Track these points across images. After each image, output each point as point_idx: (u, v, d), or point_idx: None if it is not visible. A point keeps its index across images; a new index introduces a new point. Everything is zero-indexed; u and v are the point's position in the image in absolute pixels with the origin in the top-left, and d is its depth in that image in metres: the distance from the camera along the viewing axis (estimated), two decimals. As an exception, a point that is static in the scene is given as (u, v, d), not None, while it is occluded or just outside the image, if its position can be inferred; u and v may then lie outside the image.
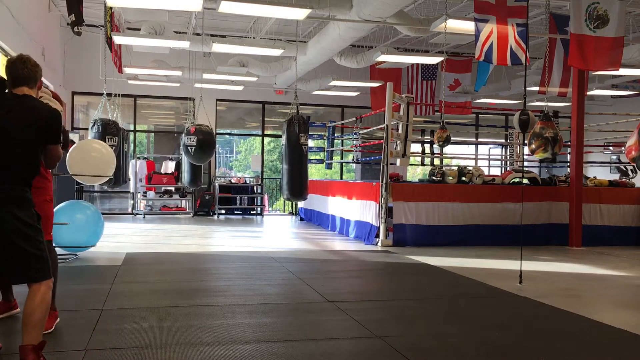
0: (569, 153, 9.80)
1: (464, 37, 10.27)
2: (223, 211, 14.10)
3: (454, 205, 8.75)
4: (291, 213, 15.04)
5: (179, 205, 14.17)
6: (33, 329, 2.95)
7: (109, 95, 9.31)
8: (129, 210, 14.06)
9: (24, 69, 3.11)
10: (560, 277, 6.34)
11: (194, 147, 9.22)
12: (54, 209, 6.63)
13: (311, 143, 14.23)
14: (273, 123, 15.79)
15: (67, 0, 7.33)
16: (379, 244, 8.46)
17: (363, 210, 9.17)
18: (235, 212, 14.27)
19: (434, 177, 9.21)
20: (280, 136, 8.23)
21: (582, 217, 9.03)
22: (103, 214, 7.44)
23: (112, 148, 6.48)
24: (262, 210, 14.54)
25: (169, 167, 14.12)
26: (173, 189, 13.91)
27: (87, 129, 10.43)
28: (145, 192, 13.73)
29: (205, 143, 9.33)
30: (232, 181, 14.78)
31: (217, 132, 14.08)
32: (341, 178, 16.69)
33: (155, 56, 12.39)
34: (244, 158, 27.83)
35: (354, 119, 11.87)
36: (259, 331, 3.87)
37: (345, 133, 13.67)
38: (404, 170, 13.18)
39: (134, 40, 10.23)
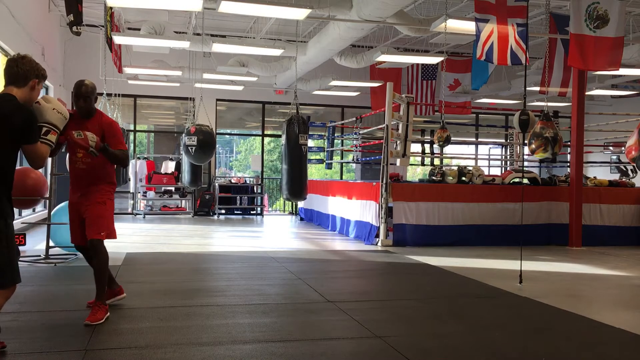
0: (569, 153, 9.80)
1: (464, 37, 10.27)
2: (223, 211, 14.10)
3: (454, 205, 8.75)
4: (291, 213, 15.04)
5: (179, 205, 14.17)
6: None
7: (109, 95, 9.31)
8: (129, 210, 14.06)
9: (13, 68, 3.10)
10: (560, 277, 6.34)
11: (194, 147, 9.21)
12: (54, 209, 6.65)
13: (311, 143, 14.23)
14: (273, 123, 15.79)
15: (65, 0, 7.32)
16: (379, 244, 8.46)
17: (363, 210, 9.17)
18: (235, 212, 14.27)
19: (434, 177, 9.21)
20: (280, 136, 8.23)
21: (582, 217, 9.03)
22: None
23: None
24: (262, 210, 14.55)
25: (169, 167, 14.13)
26: (173, 189, 13.91)
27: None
28: (145, 192, 13.73)
29: (206, 143, 9.32)
30: (232, 181, 14.78)
31: (217, 132, 14.08)
32: (341, 178, 16.69)
33: (155, 56, 12.39)
34: (244, 158, 27.83)
35: (354, 119, 11.87)
36: (259, 331, 3.87)
37: (345, 133, 13.67)
38: (404, 170, 13.17)
39: (134, 40, 10.24)
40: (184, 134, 9.71)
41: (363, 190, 9.27)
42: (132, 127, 14.22)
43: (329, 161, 13.33)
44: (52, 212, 6.61)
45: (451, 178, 9.07)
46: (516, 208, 8.73)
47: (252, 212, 14.30)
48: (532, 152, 7.70)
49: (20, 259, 4.58)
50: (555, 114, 10.18)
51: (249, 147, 27.31)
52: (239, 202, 14.25)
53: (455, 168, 9.48)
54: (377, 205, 8.57)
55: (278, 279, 5.88)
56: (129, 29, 11.14)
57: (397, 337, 3.80)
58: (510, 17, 7.27)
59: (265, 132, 15.50)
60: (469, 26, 7.88)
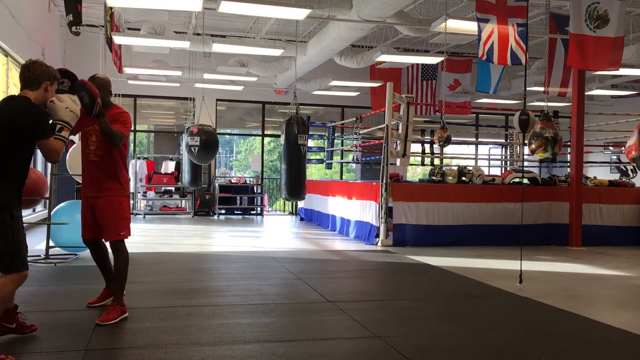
0: (569, 153, 9.80)
1: (464, 37, 10.27)
2: (223, 211, 14.10)
3: (454, 205, 8.75)
4: (291, 213, 15.04)
5: (179, 205, 14.16)
6: None
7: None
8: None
9: (26, 73, 3.35)
10: (560, 277, 6.34)
11: (197, 148, 9.22)
12: (54, 209, 6.65)
13: (311, 143, 14.24)
14: (273, 123, 15.79)
15: (65, 0, 7.32)
16: (379, 244, 8.46)
17: (363, 210, 9.17)
18: (235, 212, 14.27)
19: (434, 177, 9.20)
20: (280, 136, 8.23)
21: (582, 217, 9.03)
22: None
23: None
24: (262, 210, 14.55)
25: (169, 167, 14.13)
26: (173, 189, 13.92)
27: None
28: (145, 192, 13.74)
29: (209, 143, 9.33)
30: (232, 181, 14.78)
31: (217, 132, 14.07)
32: (341, 178, 16.69)
33: (155, 56, 12.39)
34: (244, 158, 27.84)
35: (354, 119, 11.87)
36: (259, 331, 3.86)
37: (345, 133, 13.67)
38: (404, 170, 13.17)
39: (134, 40, 10.24)
40: (185, 134, 9.71)
41: (363, 190, 9.27)
42: (132, 127, 14.22)
43: (329, 161, 13.33)
44: (52, 212, 6.61)
45: (451, 178, 9.07)
46: (516, 208, 8.73)
47: (252, 212, 14.30)
48: (532, 152, 7.70)
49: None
50: (555, 114, 10.19)
51: (249, 147, 27.32)
52: (239, 202, 14.25)
53: (455, 168, 9.48)
54: (377, 205, 8.57)
55: (278, 279, 5.88)
56: (129, 29, 11.14)
57: (397, 337, 3.80)
58: (510, 17, 7.27)
59: (265, 132, 15.50)
60: (469, 26, 7.88)
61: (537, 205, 9.13)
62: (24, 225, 3.39)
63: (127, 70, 11.57)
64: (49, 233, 6.54)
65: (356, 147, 12.05)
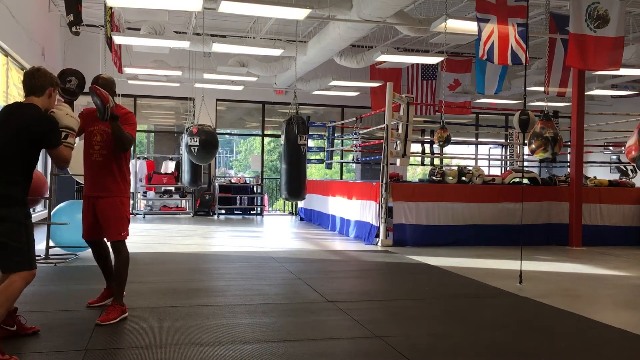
0: (569, 153, 9.80)
1: (464, 37, 10.27)
2: (223, 211, 14.10)
3: (454, 205, 8.75)
4: (291, 213, 15.04)
5: (179, 205, 14.16)
6: None
7: (109, 95, 9.28)
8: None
9: (30, 80, 3.44)
10: (560, 277, 6.34)
11: (196, 147, 9.21)
12: (54, 209, 6.65)
13: (311, 143, 14.24)
14: (273, 123, 15.79)
15: (65, 0, 7.32)
16: (379, 244, 8.46)
17: (363, 210, 9.16)
18: (235, 212, 14.27)
19: (434, 177, 9.20)
20: (280, 136, 8.23)
21: (582, 217, 9.03)
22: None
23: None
24: (262, 210, 14.55)
25: (169, 167, 14.13)
26: (173, 189, 13.91)
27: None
28: (145, 192, 13.74)
29: (208, 143, 9.32)
30: (232, 181, 14.78)
31: (217, 132, 14.07)
32: (341, 178, 16.69)
33: (155, 56, 12.39)
34: (244, 158, 27.84)
35: (354, 119, 11.87)
36: (259, 331, 3.86)
37: (345, 133, 13.67)
38: (404, 170, 13.17)
39: (134, 40, 10.23)
40: (186, 134, 9.71)
41: (363, 190, 9.27)
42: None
43: (329, 161, 13.33)
44: (52, 212, 6.61)
45: (451, 178, 9.07)
46: (516, 208, 8.73)
47: (252, 212, 14.30)
48: (532, 152, 7.70)
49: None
50: (555, 114, 10.19)
51: (249, 147, 27.32)
52: (239, 202, 14.25)
53: (455, 168, 9.48)
54: (377, 205, 8.57)
55: (278, 279, 5.88)
56: (129, 29, 11.14)
57: (397, 337, 3.80)
58: (510, 17, 7.27)
59: (265, 132, 15.50)
60: (469, 26, 7.88)
61: (537, 205, 9.13)
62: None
63: (127, 70, 11.57)
64: (49, 233, 6.54)
65: (356, 147, 12.05)
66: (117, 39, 9.47)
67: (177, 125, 15.71)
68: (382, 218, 8.45)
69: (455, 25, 7.88)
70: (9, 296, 3.18)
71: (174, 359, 3.26)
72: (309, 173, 8.22)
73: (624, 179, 10.71)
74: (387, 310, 4.59)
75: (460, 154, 15.65)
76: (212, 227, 11.17)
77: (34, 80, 3.43)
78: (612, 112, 12.71)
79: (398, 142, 9.63)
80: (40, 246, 6.75)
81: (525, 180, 9.53)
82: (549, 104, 8.56)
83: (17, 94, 8.63)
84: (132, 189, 13.44)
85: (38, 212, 10.51)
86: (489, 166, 14.71)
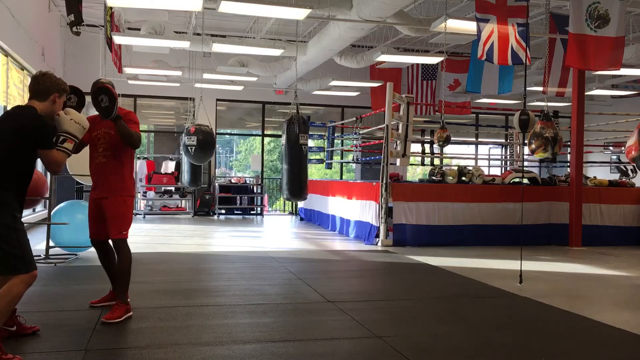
0: (569, 153, 9.80)
1: (464, 37, 10.26)
2: (223, 211, 14.10)
3: (454, 205, 8.75)
4: (291, 213, 15.04)
5: (179, 205, 14.17)
6: None
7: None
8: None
9: (35, 84, 3.43)
10: (560, 277, 6.34)
11: (194, 147, 9.21)
12: (54, 209, 6.65)
13: (311, 143, 14.23)
14: (273, 123, 15.79)
15: (66, 0, 7.32)
16: (379, 244, 8.46)
17: (363, 210, 9.16)
18: (235, 212, 14.27)
19: (434, 177, 9.20)
20: (280, 136, 8.24)
21: (582, 217, 9.02)
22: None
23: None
24: (262, 210, 14.54)
25: (169, 167, 14.13)
26: (173, 189, 13.91)
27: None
28: (145, 192, 13.74)
29: (206, 143, 9.32)
30: (232, 181, 14.78)
31: (217, 132, 14.08)
32: (341, 178, 16.69)
33: (155, 56, 12.39)
34: (244, 158, 27.83)
35: (354, 119, 11.87)
36: (259, 331, 3.87)
37: (345, 133, 13.67)
38: (404, 170, 13.17)
39: (134, 40, 10.23)
40: (184, 134, 9.71)
41: (363, 190, 9.27)
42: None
43: (329, 161, 13.33)
44: (52, 212, 6.61)
45: (451, 178, 9.07)
46: (516, 208, 8.73)
47: (252, 212, 14.30)
48: (532, 152, 7.70)
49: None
50: (555, 114, 10.18)
51: (249, 147, 27.31)
52: (239, 202, 14.25)
53: (455, 168, 9.48)
54: (377, 205, 8.57)
55: (278, 279, 5.88)
56: (129, 29, 11.14)
57: (397, 337, 3.80)
58: (510, 17, 7.27)
59: (265, 132, 15.50)
60: (469, 26, 7.88)
61: (537, 205, 9.13)
62: (24, 225, 3.41)
63: (127, 70, 11.57)
64: (49, 233, 6.54)
65: (356, 147, 12.05)
66: (117, 39, 9.47)
67: (177, 125, 15.70)
68: (382, 218, 8.45)
69: (455, 25, 7.88)
70: (10, 300, 3.17)
71: (174, 359, 3.27)
72: (309, 173, 8.22)
73: (624, 179, 10.71)
74: (387, 310, 4.59)
75: (460, 154, 15.65)
76: (212, 227, 11.17)
77: (38, 84, 3.41)
78: (612, 112, 12.72)
79: (398, 142, 9.63)
80: (40, 246, 6.78)
81: (525, 180, 9.53)
82: (549, 104, 8.56)
83: (17, 94, 8.63)
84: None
85: (38, 212, 10.51)
86: (489, 166, 14.72)
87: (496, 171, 14.09)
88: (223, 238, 9.68)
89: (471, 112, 15.04)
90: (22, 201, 3.37)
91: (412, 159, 11.58)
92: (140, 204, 13.93)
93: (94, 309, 4.31)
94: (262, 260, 7.07)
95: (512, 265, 6.48)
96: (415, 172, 18.90)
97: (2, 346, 3.11)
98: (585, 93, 9.91)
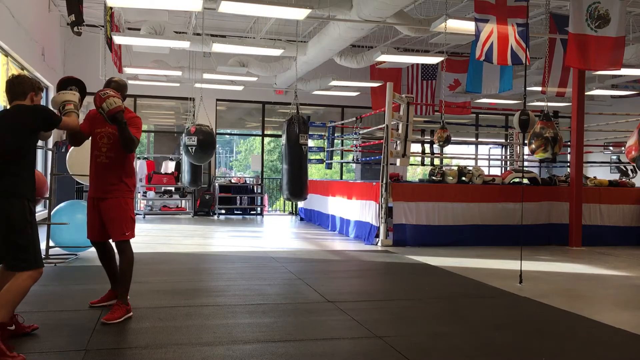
0: (569, 153, 9.80)
1: (464, 37, 10.27)
2: (223, 211, 14.10)
3: (454, 205, 8.75)
4: (291, 213, 15.04)
5: (179, 205, 14.17)
6: (2, 307, 3.21)
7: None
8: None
9: (12, 87, 3.56)
10: (560, 277, 6.34)
11: (194, 147, 9.21)
12: (54, 209, 6.65)
13: (311, 143, 14.23)
14: (273, 123, 15.79)
15: (67, 0, 7.33)
16: (379, 244, 8.46)
17: (363, 210, 9.16)
18: (235, 212, 14.27)
19: (434, 177, 9.20)
20: (280, 136, 8.24)
21: (582, 217, 9.02)
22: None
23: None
24: (262, 210, 14.54)
25: (169, 167, 14.13)
26: (173, 189, 13.91)
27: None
28: (145, 192, 13.73)
29: (206, 143, 9.33)
30: (232, 181, 14.78)
31: (217, 132, 14.08)
32: (341, 178, 16.70)
33: (155, 56, 12.39)
34: (244, 158, 27.82)
35: (354, 119, 11.87)
36: (259, 331, 3.87)
37: (345, 133, 13.67)
38: (404, 170, 13.17)
39: (134, 40, 10.24)
40: (184, 134, 9.71)
41: (363, 190, 9.27)
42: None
43: (329, 161, 13.33)
44: (52, 212, 6.61)
45: (451, 178, 9.07)
46: (516, 208, 8.73)
47: (252, 212, 14.30)
48: (532, 152, 7.70)
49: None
50: (555, 114, 10.18)
51: (249, 147, 27.30)
52: (239, 202, 14.25)
53: (455, 168, 9.48)
54: (377, 205, 8.57)
55: (278, 279, 5.88)
56: (129, 29, 11.14)
57: (397, 337, 3.80)
58: (510, 17, 7.27)
59: (265, 132, 15.50)
60: (469, 26, 7.88)
61: (537, 205, 9.13)
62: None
63: (127, 70, 11.57)
64: (49, 233, 6.54)
65: (356, 147, 12.05)
66: (117, 39, 9.47)
67: (177, 125, 15.71)
68: (382, 218, 8.45)
69: (455, 25, 7.88)
70: (18, 294, 3.25)
71: (174, 359, 3.27)
72: (309, 173, 8.23)
73: (624, 179, 10.71)
74: (387, 310, 4.59)
75: (460, 154, 15.65)
76: (212, 227, 11.17)
77: (14, 87, 3.55)
78: (612, 112, 12.71)
79: (398, 142, 9.63)
80: (40, 246, 6.76)
81: (525, 180, 9.53)
82: (549, 104, 8.56)
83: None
84: (132, 189, 13.52)
85: (38, 212, 10.51)
86: (489, 166, 14.71)
87: (496, 171, 14.10)
88: (223, 238, 9.68)
89: (471, 112, 15.04)
90: (35, 192, 3.50)
91: (412, 159, 11.58)
92: (140, 204, 13.93)
93: (94, 309, 4.31)
94: (262, 260, 7.08)
95: (512, 265, 6.48)
96: (415, 172, 18.91)
97: (7, 345, 3.13)
98: (585, 93, 9.91)
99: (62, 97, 3.77)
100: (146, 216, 13.14)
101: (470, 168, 9.40)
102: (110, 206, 4.15)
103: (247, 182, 14.83)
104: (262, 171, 15.12)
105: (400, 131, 9.62)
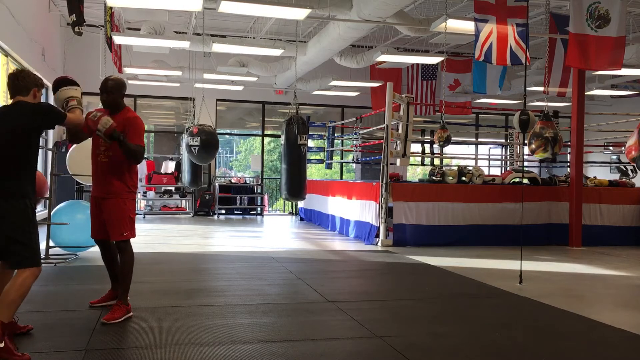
0: (569, 153, 9.80)
1: (464, 37, 10.27)
2: (223, 211, 14.09)
3: (454, 205, 8.75)
4: (291, 213, 15.04)
5: (179, 205, 14.16)
6: (6, 307, 3.21)
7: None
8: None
9: (15, 82, 3.53)
10: (560, 277, 6.34)
11: (197, 148, 9.21)
12: (54, 209, 6.65)
13: (311, 143, 14.24)
14: (273, 123, 15.79)
15: (67, 1, 7.33)
16: (379, 244, 8.46)
17: (363, 210, 9.16)
18: (235, 212, 14.27)
19: (434, 177, 9.20)
20: (280, 136, 8.23)
21: (582, 217, 9.02)
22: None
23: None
24: (262, 210, 14.54)
25: (169, 167, 14.12)
26: (173, 189, 13.91)
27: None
28: (145, 192, 13.73)
29: (209, 143, 9.33)
30: (232, 181, 14.78)
31: (217, 132, 14.07)
32: (341, 178, 16.69)
33: (155, 56, 12.39)
34: (244, 158, 27.83)
35: (354, 119, 11.87)
36: (259, 331, 3.87)
37: (345, 133, 13.66)
38: (404, 170, 13.17)
39: (134, 40, 10.23)
40: (186, 135, 9.71)
41: (363, 190, 9.27)
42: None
43: (329, 161, 13.33)
44: (52, 212, 6.61)
45: (451, 178, 9.07)
46: (516, 208, 8.73)
47: (252, 212, 14.30)
48: (532, 152, 7.69)
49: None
50: (555, 114, 10.18)
51: (249, 147, 27.31)
52: (239, 202, 14.25)
53: (455, 168, 9.47)
54: (377, 205, 8.57)
55: (278, 279, 5.88)
56: (129, 29, 11.14)
57: (397, 337, 3.80)
58: (510, 17, 7.26)
59: (265, 132, 15.50)
60: (469, 26, 7.88)
61: (537, 205, 9.12)
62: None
63: (127, 70, 11.57)
64: (49, 233, 6.54)
65: (356, 147, 12.05)
66: (117, 39, 9.47)
67: (177, 125, 15.71)
68: (382, 218, 8.45)
69: (455, 25, 7.88)
70: (22, 292, 3.27)
71: (174, 359, 3.27)
72: (309, 173, 8.23)
73: (624, 179, 10.71)
74: (387, 310, 4.59)
75: (460, 154, 15.65)
76: (212, 227, 11.17)
77: (18, 81, 3.51)
78: (612, 112, 12.71)
79: (398, 142, 9.62)
80: (40, 246, 6.77)
81: (525, 180, 9.53)
82: (549, 104, 8.56)
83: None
84: (132, 189, 13.51)
85: (38, 212, 10.49)
86: (489, 166, 14.72)
87: (496, 171, 14.10)
88: (223, 238, 9.69)
89: (471, 112, 15.03)
90: (35, 192, 3.50)
91: (412, 159, 11.58)
92: (140, 204, 13.93)
93: (94, 309, 4.31)
94: (262, 260, 7.08)
95: (512, 265, 6.48)
96: (415, 172, 18.90)
97: (14, 345, 3.15)
98: (585, 93, 9.91)
99: (65, 93, 3.77)
100: (146, 216, 13.14)
101: (470, 168, 9.39)
102: (109, 206, 4.15)
103: (247, 182, 14.83)
104: (262, 171, 15.12)
105: (400, 131, 9.62)
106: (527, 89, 7.19)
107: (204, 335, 3.74)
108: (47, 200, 6.82)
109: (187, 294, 5.00)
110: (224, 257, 7.34)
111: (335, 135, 13.41)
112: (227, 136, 21.83)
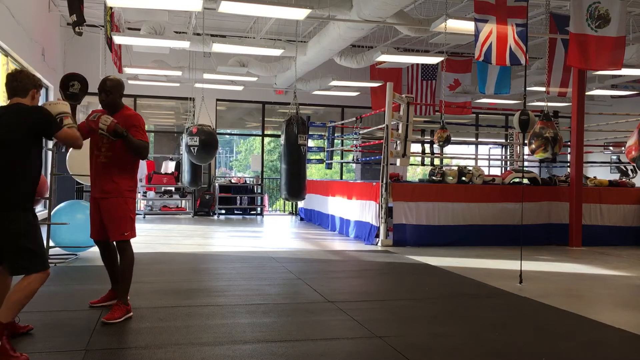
0: (569, 153, 9.80)
1: (464, 37, 10.27)
2: (223, 211, 14.10)
3: (454, 205, 8.75)
4: (291, 213, 15.04)
5: (179, 205, 14.16)
6: (8, 307, 3.21)
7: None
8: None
9: (13, 82, 3.46)
10: (560, 277, 6.34)
11: (196, 148, 9.21)
12: (54, 209, 6.65)
13: (311, 143, 14.24)
14: (273, 123, 15.79)
15: (68, 1, 7.33)
16: (379, 244, 8.46)
17: (363, 210, 9.16)
18: (235, 212, 14.27)
19: (434, 177, 9.20)
20: (280, 136, 8.23)
21: (582, 217, 9.02)
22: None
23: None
24: (262, 210, 14.55)
25: (169, 167, 14.12)
26: (173, 189, 13.91)
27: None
28: (145, 192, 13.74)
29: (208, 143, 9.33)
30: (232, 181, 14.78)
31: (217, 132, 14.07)
32: (341, 178, 16.69)
33: (155, 56, 12.39)
34: (244, 158, 27.82)
35: (354, 119, 11.87)
36: (259, 331, 3.87)
37: (345, 133, 13.66)
38: (404, 170, 13.17)
39: (134, 40, 10.23)
40: (186, 134, 9.71)
41: (363, 190, 9.27)
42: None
43: (329, 161, 13.33)
44: (52, 212, 6.60)
45: (451, 178, 9.07)
46: (516, 208, 8.73)
47: (252, 212, 14.30)
48: (532, 152, 7.69)
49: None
50: (555, 114, 10.18)
51: (249, 147, 27.31)
52: (239, 202, 14.25)
53: (455, 168, 9.47)
54: (377, 205, 8.57)
55: (278, 279, 5.88)
56: (129, 29, 11.14)
57: (397, 337, 3.80)
58: (510, 18, 7.26)
59: (265, 132, 15.50)
60: (469, 26, 7.88)
61: (537, 205, 9.13)
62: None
63: (127, 70, 11.57)
64: (49, 233, 6.54)
65: (356, 147, 12.05)
66: (117, 39, 9.47)
67: (177, 125, 15.71)
68: (382, 218, 8.45)
69: (455, 25, 7.88)
70: (26, 295, 3.27)
71: (174, 359, 3.27)
72: (309, 173, 8.23)
73: (624, 179, 10.71)
74: (387, 310, 4.59)
75: (460, 154, 15.65)
76: (212, 227, 11.17)
77: (17, 82, 3.46)
78: (612, 112, 12.71)
79: (398, 142, 9.63)
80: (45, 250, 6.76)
81: (525, 180, 9.53)
82: (549, 104, 8.55)
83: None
84: (132, 189, 13.51)
85: (38, 212, 10.48)
86: (489, 166, 14.72)
87: (496, 171, 14.10)
88: (223, 238, 9.69)
89: (471, 112, 15.03)
90: (34, 197, 3.48)
91: (412, 159, 11.58)
92: (140, 204, 13.93)
93: (94, 309, 4.31)
94: (262, 260, 7.08)
95: (512, 265, 6.48)
96: (415, 172, 18.90)
97: (10, 345, 3.15)
98: (585, 93, 9.90)
99: (55, 108, 3.63)
100: (146, 216, 13.14)
101: (470, 168, 9.39)
102: (109, 206, 4.14)
103: (247, 182, 14.83)
104: (262, 171, 15.12)
105: (400, 131, 9.62)
106: (527, 89, 7.19)
107: (204, 335, 3.74)
108: (47, 200, 6.82)
109: (187, 294, 5.00)
110: (224, 257, 7.34)
111: (335, 135, 13.41)
112: (227, 136, 21.83)
